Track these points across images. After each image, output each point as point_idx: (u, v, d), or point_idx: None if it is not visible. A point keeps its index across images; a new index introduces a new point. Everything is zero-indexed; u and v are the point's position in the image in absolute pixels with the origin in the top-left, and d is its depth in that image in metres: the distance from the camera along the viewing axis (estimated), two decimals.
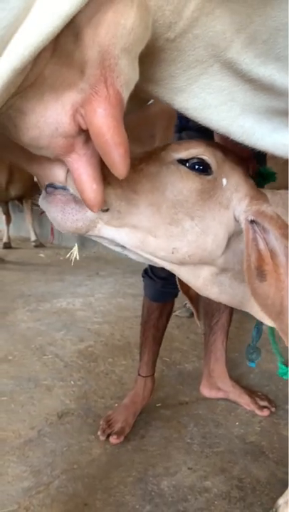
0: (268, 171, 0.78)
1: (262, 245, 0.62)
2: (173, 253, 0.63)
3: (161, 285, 1.55)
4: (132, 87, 0.45)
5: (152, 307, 1.63)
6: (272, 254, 0.61)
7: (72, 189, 0.57)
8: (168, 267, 0.68)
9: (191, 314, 2.67)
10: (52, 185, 0.58)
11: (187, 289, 0.93)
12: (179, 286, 0.87)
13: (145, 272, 1.62)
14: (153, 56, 0.48)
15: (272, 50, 0.49)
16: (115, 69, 0.41)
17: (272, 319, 0.61)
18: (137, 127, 2.18)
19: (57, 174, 0.56)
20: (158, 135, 2.42)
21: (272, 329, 0.89)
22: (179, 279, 0.84)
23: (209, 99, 0.54)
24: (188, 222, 0.62)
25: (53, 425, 1.63)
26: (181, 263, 0.66)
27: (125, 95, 0.44)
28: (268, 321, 0.68)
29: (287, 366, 0.86)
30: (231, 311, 1.74)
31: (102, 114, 0.42)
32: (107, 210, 0.59)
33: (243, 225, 0.64)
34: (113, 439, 1.50)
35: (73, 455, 1.47)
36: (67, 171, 0.55)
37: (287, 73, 0.51)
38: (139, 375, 1.66)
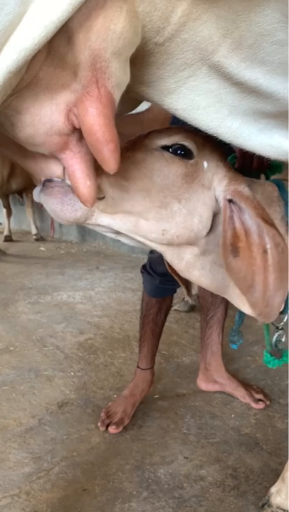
0: (275, 163, 0.81)
1: (237, 224, 0.66)
2: (163, 234, 0.67)
3: (160, 281, 1.58)
4: (123, 88, 0.48)
5: (151, 302, 1.66)
6: (247, 232, 0.65)
7: (69, 182, 0.58)
8: (158, 248, 0.72)
9: (190, 308, 2.70)
10: (50, 181, 0.60)
11: None
12: (166, 265, 0.91)
13: (144, 267, 1.64)
14: (142, 59, 0.50)
15: (257, 54, 0.51)
16: (106, 71, 0.43)
17: (243, 292, 0.65)
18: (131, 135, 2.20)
19: (54, 170, 0.58)
20: None
21: (266, 325, 0.93)
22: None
23: (198, 101, 0.56)
24: (176, 205, 0.66)
25: (54, 414, 1.67)
26: (170, 243, 0.70)
27: (116, 96, 0.46)
28: (243, 308, 0.72)
29: (272, 355, 0.89)
30: (226, 305, 1.77)
31: (94, 113, 0.44)
32: (102, 198, 0.62)
33: (221, 203, 0.68)
34: (112, 429, 1.55)
35: (73, 443, 1.51)
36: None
37: (272, 77, 0.53)
38: (138, 367, 1.70)
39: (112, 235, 0.71)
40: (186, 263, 0.74)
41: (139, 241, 0.70)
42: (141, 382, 1.68)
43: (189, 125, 0.60)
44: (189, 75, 0.53)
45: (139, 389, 1.68)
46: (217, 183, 0.69)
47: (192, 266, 0.74)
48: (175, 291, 1.68)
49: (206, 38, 0.48)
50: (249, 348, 2.17)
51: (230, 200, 0.67)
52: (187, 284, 0.98)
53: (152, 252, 1.59)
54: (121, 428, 1.56)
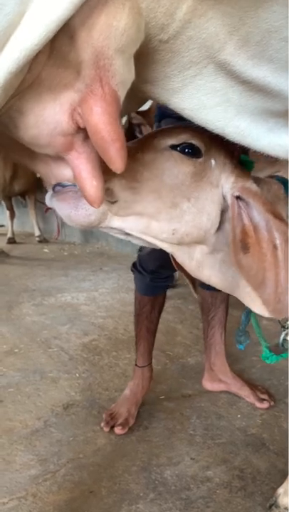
0: (247, 160, 0.81)
1: (246, 220, 0.66)
2: (173, 234, 0.68)
3: (150, 279, 1.58)
4: (128, 86, 0.47)
5: (144, 301, 1.65)
6: (256, 228, 0.65)
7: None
8: (168, 249, 0.73)
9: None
10: (60, 185, 0.60)
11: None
12: (173, 263, 0.91)
13: (134, 265, 1.63)
14: (147, 57, 0.50)
15: (265, 51, 0.50)
16: (110, 69, 0.42)
17: (254, 289, 0.65)
18: None
19: (64, 173, 0.57)
20: None
21: (254, 314, 0.92)
22: (174, 258, 0.88)
23: (204, 100, 0.55)
24: (185, 204, 0.66)
25: (59, 416, 1.67)
26: (180, 243, 0.71)
27: (121, 94, 0.45)
28: (253, 307, 0.72)
29: (271, 351, 0.89)
30: (227, 305, 1.77)
31: (99, 111, 0.43)
32: (115, 201, 0.63)
33: (229, 200, 0.68)
34: (118, 430, 1.54)
35: (79, 445, 1.50)
36: None
37: (280, 75, 0.52)
38: (136, 365, 1.69)
39: (122, 236, 0.71)
40: (197, 262, 0.74)
41: (148, 241, 0.70)
42: (141, 381, 1.68)
43: (192, 124, 0.60)
44: (195, 73, 0.52)
45: (140, 387, 1.67)
46: (224, 180, 0.69)
47: (202, 265, 0.74)
48: (167, 288, 1.67)
49: (212, 36, 0.48)
50: (254, 348, 2.15)
51: (237, 197, 0.67)
52: (193, 280, 0.97)
53: (141, 249, 1.58)
54: (127, 429, 1.56)
